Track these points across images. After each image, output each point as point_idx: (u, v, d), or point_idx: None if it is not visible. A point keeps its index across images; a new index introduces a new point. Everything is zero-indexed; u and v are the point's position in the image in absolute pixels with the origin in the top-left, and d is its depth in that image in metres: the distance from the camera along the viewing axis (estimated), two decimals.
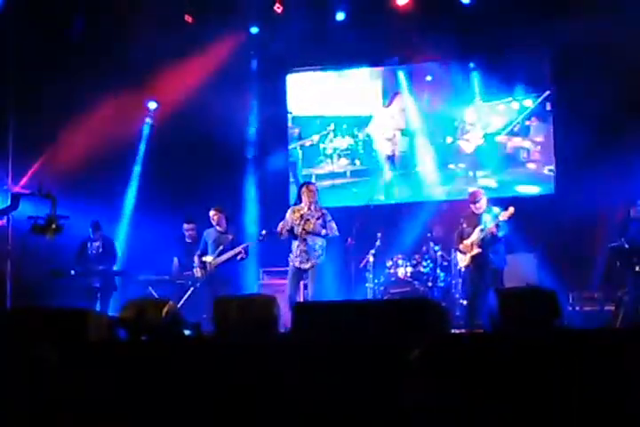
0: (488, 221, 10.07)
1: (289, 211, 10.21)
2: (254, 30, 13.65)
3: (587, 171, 11.95)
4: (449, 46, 12.77)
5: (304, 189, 10.22)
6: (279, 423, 4.92)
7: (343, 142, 14.84)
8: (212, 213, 11.18)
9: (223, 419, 5.01)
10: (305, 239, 9.96)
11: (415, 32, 12.64)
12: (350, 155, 14.80)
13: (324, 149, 14.84)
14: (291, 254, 10.16)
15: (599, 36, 11.17)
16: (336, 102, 14.91)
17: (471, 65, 13.67)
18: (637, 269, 10.36)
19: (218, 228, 11.18)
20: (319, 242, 10.03)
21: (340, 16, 13.34)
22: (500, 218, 9.96)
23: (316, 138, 14.84)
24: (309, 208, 10.05)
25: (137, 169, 14.02)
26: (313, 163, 14.89)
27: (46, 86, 12.35)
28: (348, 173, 14.73)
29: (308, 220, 9.99)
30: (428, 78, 14.13)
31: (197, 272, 11.18)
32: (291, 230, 10.04)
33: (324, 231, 10.01)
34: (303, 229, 9.95)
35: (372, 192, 14.07)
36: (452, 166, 14.00)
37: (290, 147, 14.85)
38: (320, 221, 10.02)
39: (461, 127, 14.02)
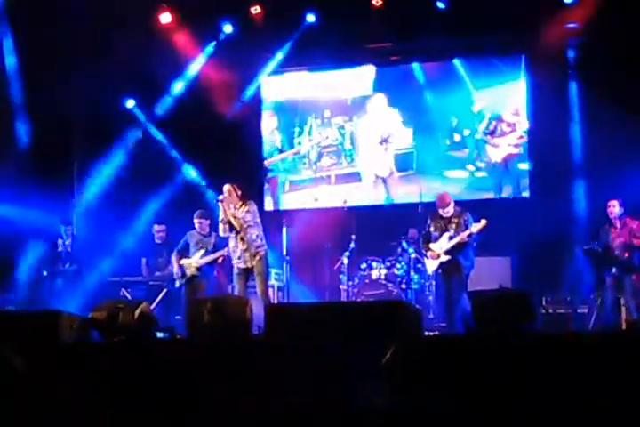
0: (457, 227, 10.06)
1: (220, 208, 9.97)
2: (228, 30, 13.33)
3: (561, 174, 12.04)
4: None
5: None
6: (252, 424, 4.90)
7: (326, 135, 13.24)
8: (196, 220, 11.08)
9: (195, 421, 4.98)
10: (242, 237, 9.82)
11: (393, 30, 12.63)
12: (335, 153, 13.09)
13: (300, 143, 13.22)
14: (233, 258, 10.01)
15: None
16: (315, 84, 13.24)
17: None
18: (614, 271, 10.39)
19: (201, 231, 11.12)
20: (255, 232, 9.90)
21: (311, 18, 12.95)
22: (474, 230, 9.96)
23: (305, 147, 13.22)
24: (234, 207, 9.92)
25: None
26: (290, 167, 13.29)
27: None
28: (333, 178, 13.16)
29: (235, 216, 9.86)
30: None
31: (175, 271, 11.10)
32: (230, 226, 9.86)
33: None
34: (238, 224, 9.79)
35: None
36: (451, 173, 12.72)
37: (270, 160, 13.41)
38: (250, 214, 9.87)
39: (494, 126, 12.73)
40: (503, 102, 12.82)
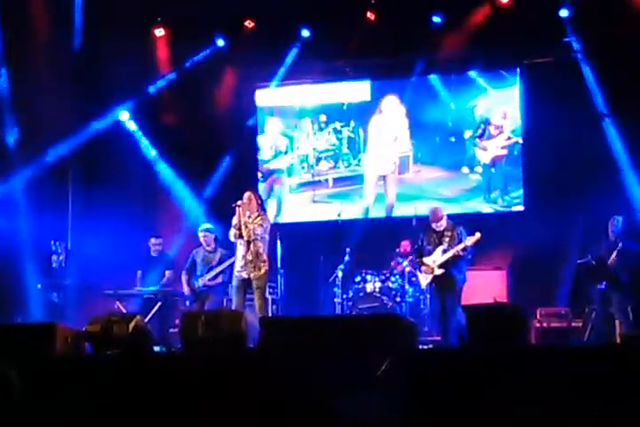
0: (450, 241, 10.07)
1: (236, 213, 9.96)
2: (221, 43, 13.37)
3: (555, 187, 12.07)
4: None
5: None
6: None
7: (324, 141, 13.62)
8: (201, 233, 11.06)
9: None
10: (249, 247, 9.78)
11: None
12: (333, 157, 13.52)
13: (299, 148, 13.58)
14: (236, 267, 9.95)
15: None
16: (311, 89, 13.68)
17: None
18: (603, 285, 10.36)
19: (207, 247, 11.09)
20: (261, 246, 9.86)
21: (305, 33, 13.02)
22: (468, 243, 9.97)
23: (303, 151, 13.60)
24: (249, 216, 9.89)
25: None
26: (290, 170, 13.68)
27: None
28: (330, 182, 13.55)
29: (246, 226, 9.83)
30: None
31: (185, 289, 11.07)
32: (240, 233, 9.83)
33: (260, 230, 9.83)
34: (247, 233, 9.76)
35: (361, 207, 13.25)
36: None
37: (275, 163, 13.72)
38: (261, 228, 9.84)
39: (482, 129, 13.10)
40: (494, 106, 13.06)
